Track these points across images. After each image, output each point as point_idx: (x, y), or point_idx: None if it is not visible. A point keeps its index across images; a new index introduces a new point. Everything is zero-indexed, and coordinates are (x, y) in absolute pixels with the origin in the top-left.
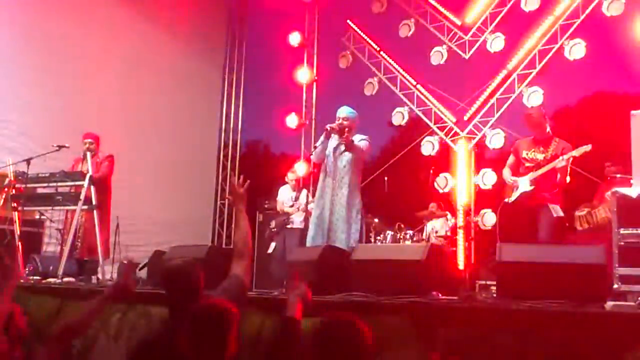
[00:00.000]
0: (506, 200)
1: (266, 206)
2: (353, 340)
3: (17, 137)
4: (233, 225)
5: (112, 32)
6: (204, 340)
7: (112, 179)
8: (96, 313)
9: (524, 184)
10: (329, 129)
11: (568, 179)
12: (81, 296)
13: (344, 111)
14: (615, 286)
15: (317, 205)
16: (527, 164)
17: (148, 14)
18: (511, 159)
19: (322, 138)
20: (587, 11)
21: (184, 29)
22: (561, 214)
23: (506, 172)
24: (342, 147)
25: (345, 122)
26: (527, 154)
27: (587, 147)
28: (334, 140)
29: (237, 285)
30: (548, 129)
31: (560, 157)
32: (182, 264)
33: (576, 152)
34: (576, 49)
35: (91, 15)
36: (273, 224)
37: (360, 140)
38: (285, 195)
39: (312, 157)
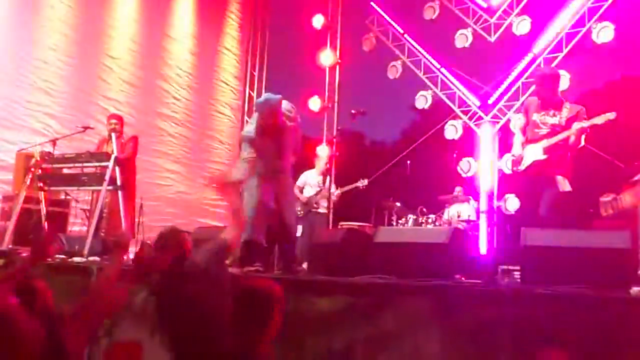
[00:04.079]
0: (515, 168)
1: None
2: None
3: (43, 119)
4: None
5: (135, 14)
6: (246, 320)
7: (136, 160)
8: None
9: (537, 152)
10: None
11: (583, 142)
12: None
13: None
14: None
15: None
16: (537, 129)
17: None
18: (522, 120)
19: None
20: None
21: (208, 12)
22: (568, 187)
23: (517, 140)
24: None
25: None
26: (537, 117)
27: (611, 115)
28: None
29: (220, 245)
30: (559, 92)
31: (577, 123)
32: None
33: (599, 120)
34: (604, 32)
35: None
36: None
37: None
38: (311, 180)
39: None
